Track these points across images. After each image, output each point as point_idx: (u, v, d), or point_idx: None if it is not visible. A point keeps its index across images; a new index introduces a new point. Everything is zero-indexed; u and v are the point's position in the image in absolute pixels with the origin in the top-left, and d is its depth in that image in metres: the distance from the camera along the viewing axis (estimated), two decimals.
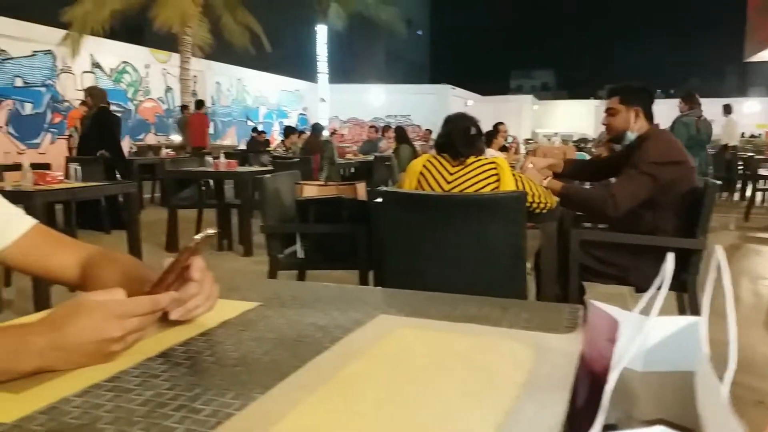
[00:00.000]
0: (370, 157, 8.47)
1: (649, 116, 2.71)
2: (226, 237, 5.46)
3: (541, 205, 2.45)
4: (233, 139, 16.17)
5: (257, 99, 18.24)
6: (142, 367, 0.72)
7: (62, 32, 10.32)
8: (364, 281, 2.83)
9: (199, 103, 11.02)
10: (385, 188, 2.26)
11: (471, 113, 2.60)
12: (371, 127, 10.39)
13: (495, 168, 2.34)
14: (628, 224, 2.65)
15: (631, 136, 2.70)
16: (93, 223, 5.94)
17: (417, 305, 1.00)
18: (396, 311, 0.97)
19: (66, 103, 10.75)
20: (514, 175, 2.38)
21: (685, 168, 2.61)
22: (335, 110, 21.19)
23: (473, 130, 2.40)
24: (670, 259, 0.48)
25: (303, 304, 1.00)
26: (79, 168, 3.47)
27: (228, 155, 6.06)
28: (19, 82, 10.33)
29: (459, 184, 2.30)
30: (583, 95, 36.55)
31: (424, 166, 2.38)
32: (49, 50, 10.72)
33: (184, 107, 11.53)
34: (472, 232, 2.10)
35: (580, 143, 15.54)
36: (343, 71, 23.37)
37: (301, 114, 21.07)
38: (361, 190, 3.01)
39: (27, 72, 10.31)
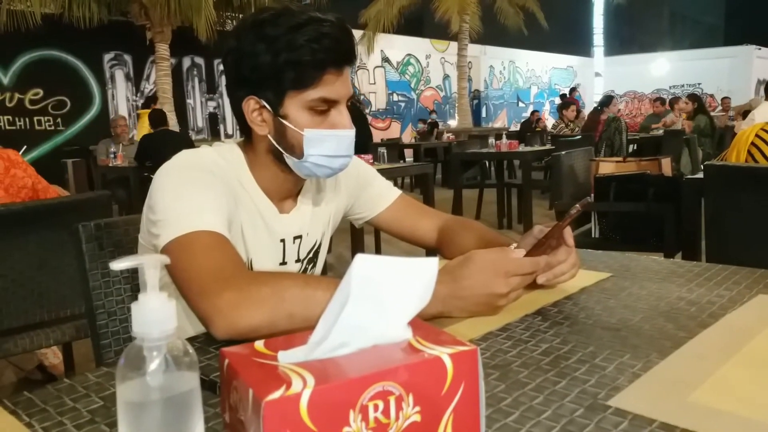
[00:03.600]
0: (659, 132, 7.70)
1: None
2: (506, 215, 5.55)
3: None
4: (504, 121, 16.32)
5: (528, 79, 18.03)
6: (525, 322, 0.77)
7: (359, 32, 11.64)
8: None
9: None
10: (710, 162, 2.02)
11: None
12: (656, 99, 9.37)
13: None
14: None
15: None
16: None
17: None
18: None
19: (362, 97, 12.08)
20: None
21: None
22: (610, 84, 19.74)
23: None
24: None
25: (659, 278, 0.96)
26: (384, 151, 3.92)
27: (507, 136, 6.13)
28: None
29: None
30: None
31: (758, 135, 2.07)
32: None
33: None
34: None
35: None
36: (620, 42, 21.60)
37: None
38: (666, 165, 2.76)
39: None
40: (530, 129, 8.21)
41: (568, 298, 0.87)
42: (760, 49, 21.55)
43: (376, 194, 1.13)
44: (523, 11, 12.46)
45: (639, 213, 2.69)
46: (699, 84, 20.24)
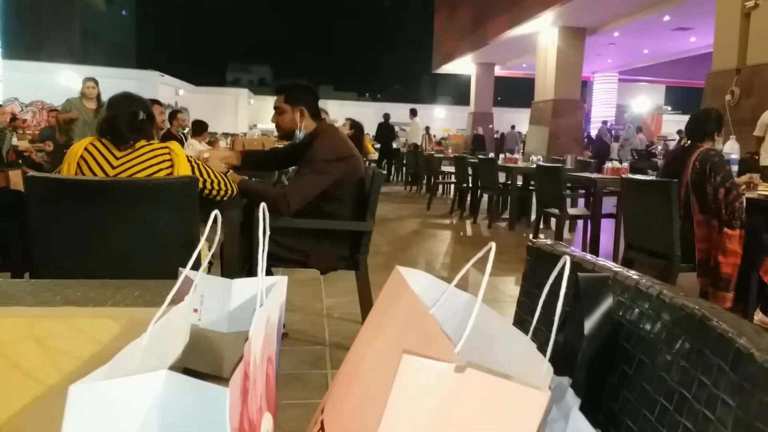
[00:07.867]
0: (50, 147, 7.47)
1: (315, 115, 2.87)
2: None
3: (222, 192, 2.43)
4: None
5: None
6: None
7: None
8: None
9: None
10: (30, 174, 1.98)
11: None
12: (51, 110, 9.10)
13: (168, 153, 2.25)
14: (307, 213, 2.79)
15: (300, 134, 2.85)
16: None
17: (12, 293, 0.90)
18: None
19: None
20: (190, 161, 2.32)
21: (353, 161, 2.84)
22: (13, 91, 18.11)
23: (142, 115, 2.26)
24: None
25: None
26: None
27: None
28: None
29: (127, 170, 2.15)
30: None
31: (86, 149, 2.16)
32: None
33: None
34: (141, 220, 1.99)
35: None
36: (25, 46, 20.09)
37: None
38: (15, 177, 2.60)
39: None
40: None
41: None
42: (163, 75, 24.06)
43: None
44: None
45: None
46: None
